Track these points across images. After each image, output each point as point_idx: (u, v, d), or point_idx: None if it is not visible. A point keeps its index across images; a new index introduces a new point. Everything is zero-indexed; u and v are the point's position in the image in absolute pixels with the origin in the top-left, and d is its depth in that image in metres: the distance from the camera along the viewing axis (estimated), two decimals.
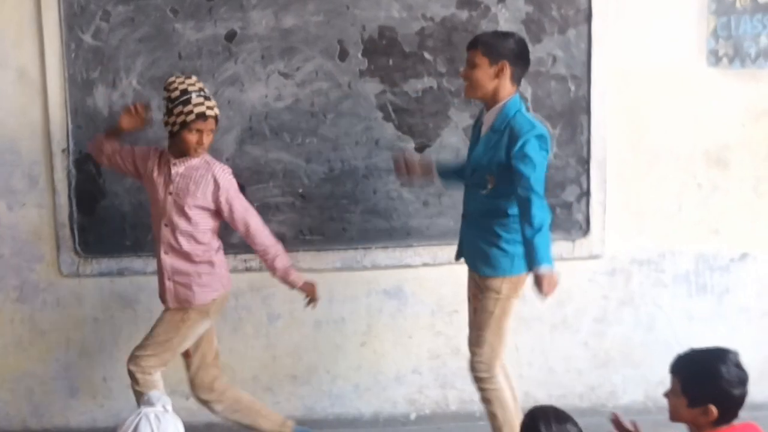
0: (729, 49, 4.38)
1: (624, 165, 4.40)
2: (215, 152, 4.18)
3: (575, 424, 2.43)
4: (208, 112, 3.57)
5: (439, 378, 4.53)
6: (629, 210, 4.45)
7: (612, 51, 4.30)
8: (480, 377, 3.72)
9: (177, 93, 3.56)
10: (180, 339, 3.73)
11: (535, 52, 4.26)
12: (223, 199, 3.63)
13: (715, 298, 4.54)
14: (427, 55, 4.25)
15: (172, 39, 4.19)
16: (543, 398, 4.37)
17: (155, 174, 3.69)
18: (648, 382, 4.53)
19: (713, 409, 2.51)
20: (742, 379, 2.52)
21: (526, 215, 3.42)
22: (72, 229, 4.29)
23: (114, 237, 4.31)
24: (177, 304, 3.71)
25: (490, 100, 3.58)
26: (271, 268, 3.74)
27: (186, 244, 3.66)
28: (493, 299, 3.63)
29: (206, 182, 3.63)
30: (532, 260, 3.43)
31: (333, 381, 4.47)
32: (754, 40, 4.38)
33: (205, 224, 3.67)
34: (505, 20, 4.24)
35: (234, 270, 4.11)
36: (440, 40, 4.25)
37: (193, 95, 3.56)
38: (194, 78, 3.67)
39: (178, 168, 3.64)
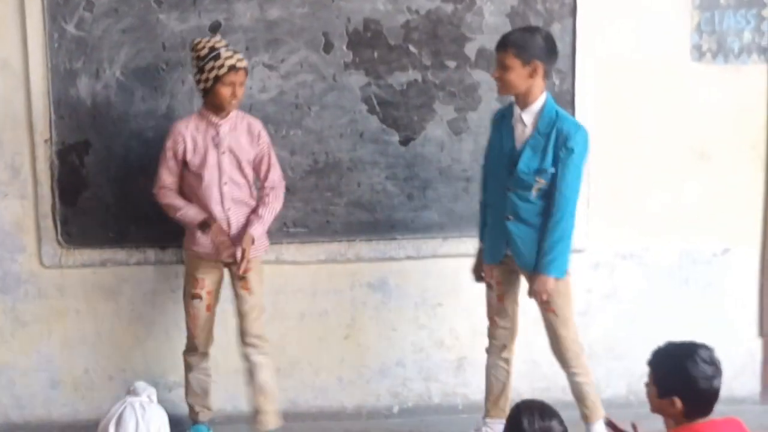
0: (713, 44, 4.40)
1: (608, 159, 4.41)
2: None
3: (561, 422, 2.43)
4: (239, 64, 3.72)
5: (422, 371, 4.53)
6: (613, 204, 4.46)
7: (596, 45, 4.31)
8: (575, 354, 3.87)
9: (206, 50, 3.70)
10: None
11: None
12: (261, 145, 3.89)
13: (698, 292, 4.56)
14: (412, 48, 4.24)
15: (156, 30, 4.17)
16: (526, 391, 4.37)
17: (197, 145, 3.79)
18: (631, 375, 4.54)
19: (677, 401, 2.56)
20: (710, 375, 2.54)
21: (555, 217, 3.59)
22: (54, 220, 4.27)
23: (97, 228, 4.29)
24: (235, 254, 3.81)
25: (523, 97, 3.63)
26: (253, 211, 3.89)
27: (247, 196, 3.89)
28: (563, 283, 3.73)
29: (251, 133, 3.86)
30: (542, 264, 3.61)
31: (316, 374, 4.47)
32: (737, 35, 4.40)
33: (253, 173, 3.91)
34: (491, 13, 4.24)
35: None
36: (425, 32, 4.25)
37: (222, 50, 3.72)
38: (218, 36, 3.83)
39: (224, 127, 3.82)
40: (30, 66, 4.15)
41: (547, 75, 3.63)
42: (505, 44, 3.59)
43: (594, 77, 4.33)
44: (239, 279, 3.89)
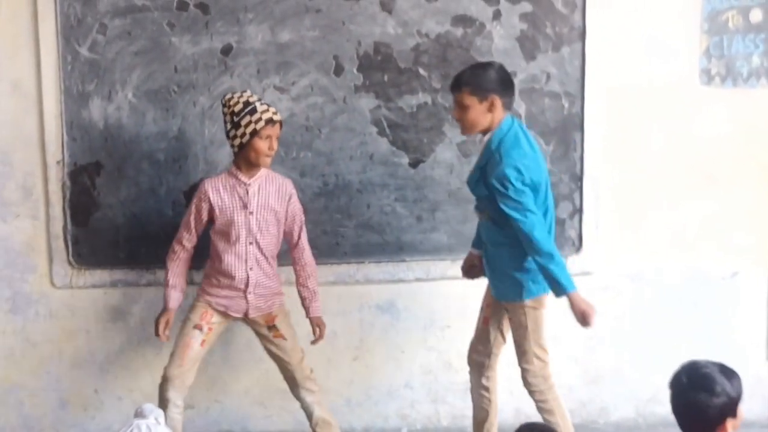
0: (721, 68, 4.41)
1: (617, 182, 4.42)
2: (211, 166, 4.21)
3: None
4: (275, 117, 3.71)
5: (430, 393, 4.53)
6: (622, 227, 4.47)
7: (606, 69, 4.33)
8: (538, 390, 3.76)
9: (240, 106, 3.67)
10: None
11: (529, 69, 4.30)
12: (290, 207, 3.86)
13: (706, 315, 4.55)
14: (422, 71, 4.27)
15: (168, 52, 4.20)
16: (534, 414, 4.34)
17: (225, 204, 3.77)
18: (638, 399, 4.55)
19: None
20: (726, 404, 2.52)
21: (527, 246, 3.48)
22: (66, 241, 4.29)
23: (107, 249, 4.31)
24: (259, 313, 3.87)
25: (486, 130, 3.61)
26: (303, 286, 3.95)
27: (270, 257, 3.85)
28: (523, 315, 3.67)
29: (278, 192, 3.82)
30: (555, 290, 3.52)
31: (325, 395, 4.43)
32: (746, 59, 4.42)
33: (280, 234, 3.87)
34: (500, 37, 4.27)
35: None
36: (435, 56, 4.27)
37: (257, 104, 3.69)
38: (249, 91, 3.78)
39: (253, 187, 3.77)
40: (43, 88, 4.19)
41: (506, 106, 3.60)
42: (459, 84, 3.59)
43: (603, 100, 4.35)
44: (269, 330, 3.92)
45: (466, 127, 3.63)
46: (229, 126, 3.70)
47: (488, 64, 3.67)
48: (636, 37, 4.36)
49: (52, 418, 4.45)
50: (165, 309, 3.88)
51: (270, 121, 3.68)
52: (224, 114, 3.73)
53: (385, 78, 4.25)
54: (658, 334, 4.51)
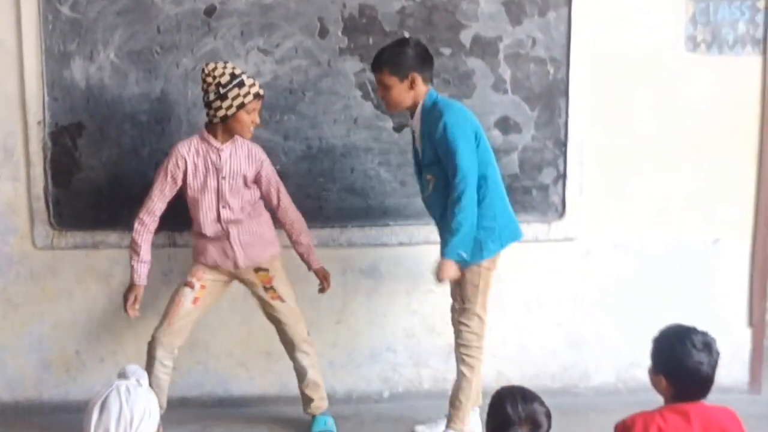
0: (707, 35, 4.40)
1: (601, 148, 4.42)
2: (194, 127, 4.17)
3: (542, 403, 2.44)
4: (261, 92, 3.79)
5: (413, 357, 4.55)
6: (605, 193, 4.48)
7: (591, 34, 4.31)
8: (469, 345, 3.86)
9: (227, 77, 3.69)
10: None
11: (514, 33, 4.28)
12: (263, 172, 3.90)
13: (688, 281, 4.58)
14: (407, 35, 4.23)
15: (150, 12, 4.16)
16: (516, 378, 4.40)
17: (198, 169, 3.80)
18: (620, 364, 4.58)
19: (663, 380, 2.62)
20: (697, 360, 2.57)
21: (454, 201, 3.60)
22: (47, 202, 4.26)
23: (89, 210, 4.29)
24: (249, 263, 3.93)
25: (413, 107, 3.73)
26: (296, 243, 4.03)
27: (247, 215, 3.88)
28: (477, 275, 3.77)
29: (250, 158, 3.87)
30: (443, 247, 3.69)
31: None
32: (732, 26, 4.40)
33: (255, 195, 3.92)
34: (486, 1, 4.24)
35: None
36: (420, 19, 4.24)
37: (244, 77, 3.73)
38: (230, 63, 3.81)
39: (225, 152, 3.81)
40: (24, 47, 4.14)
41: (428, 81, 3.71)
42: (379, 65, 3.69)
43: (588, 66, 4.34)
44: (266, 291, 3.97)
45: (390, 105, 3.77)
46: (212, 96, 3.69)
47: (405, 42, 3.76)
48: (622, 3, 4.34)
49: (35, 379, 4.45)
50: (134, 284, 3.88)
51: (257, 96, 3.75)
52: (207, 83, 3.71)
53: (370, 41, 4.21)
54: (640, 300, 4.54)
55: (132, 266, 3.87)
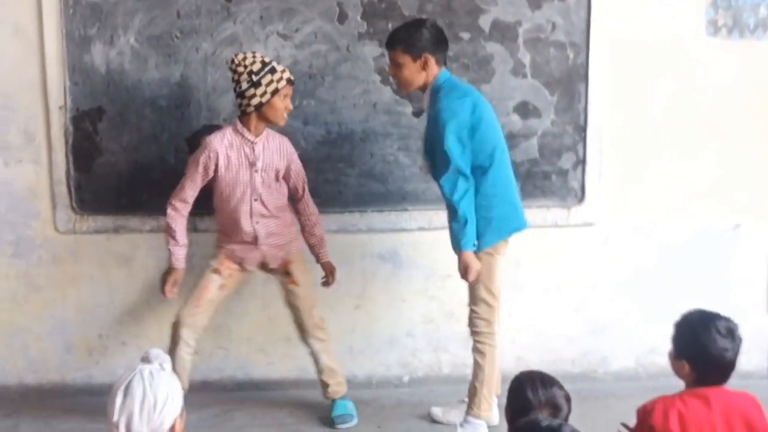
0: (728, 20, 4.37)
1: (621, 133, 4.41)
2: (214, 113, 4.19)
3: (561, 387, 2.46)
4: (292, 77, 3.80)
5: (432, 341, 4.56)
6: (625, 178, 4.46)
7: (611, 19, 4.29)
8: (479, 332, 3.86)
9: (258, 65, 3.71)
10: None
11: (534, 18, 4.27)
12: (293, 166, 3.92)
13: (708, 267, 4.57)
14: None
15: None
16: (535, 363, 4.39)
17: (231, 162, 3.80)
18: (639, 349, 4.58)
19: (686, 365, 2.62)
20: (721, 346, 2.57)
21: (451, 194, 3.63)
22: (69, 186, 4.29)
23: (110, 194, 4.31)
24: (278, 262, 3.99)
25: (424, 87, 3.73)
26: (310, 234, 4.05)
27: (275, 210, 3.90)
28: (479, 260, 3.74)
29: (280, 150, 3.88)
30: (453, 242, 3.72)
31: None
32: (753, 10, 4.37)
33: (284, 190, 3.95)
34: None
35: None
36: (440, 4, 4.24)
37: (274, 64, 3.75)
38: (257, 52, 3.85)
39: (259, 145, 3.81)
40: (44, 32, 4.16)
41: (441, 63, 3.70)
42: (393, 43, 3.69)
43: (608, 51, 4.32)
44: (284, 275, 4.01)
45: (402, 85, 3.77)
46: (245, 85, 3.70)
47: (420, 22, 3.74)
48: None
49: (57, 362, 4.49)
50: (172, 267, 3.92)
51: (289, 81, 3.77)
52: (238, 73, 3.71)
53: (389, 26, 4.20)
54: (659, 286, 4.53)
55: (169, 250, 3.91)
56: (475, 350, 3.90)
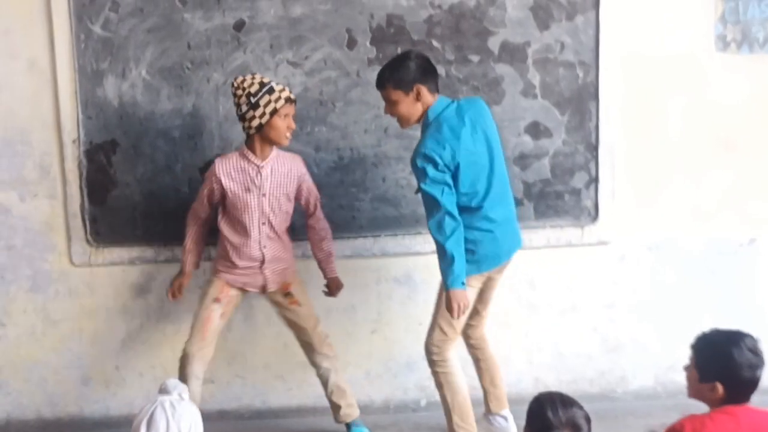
0: (737, 34, 4.38)
1: (633, 150, 4.41)
2: (226, 142, 4.21)
3: (581, 407, 2.45)
4: (292, 96, 3.78)
5: None
6: (638, 196, 4.46)
7: (620, 37, 4.30)
8: (431, 360, 3.86)
9: (256, 86, 3.71)
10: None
11: (543, 38, 4.28)
12: (304, 185, 3.94)
13: (725, 282, 4.55)
14: (435, 43, 4.25)
15: (181, 29, 4.20)
16: (553, 383, 4.38)
17: (237, 187, 3.81)
18: (658, 367, 4.55)
19: (719, 387, 2.59)
20: (753, 364, 2.58)
21: (436, 230, 3.60)
22: (83, 219, 4.31)
23: (125, 226, 4.33)
24: (277, 287, 3.98)
25: (421, 117, 3.70)
26: (319, 249, 4.06)
27: (281, 233, 3.93)
28: (441, 288, 3.72)
29: (290, 173, 3.87)
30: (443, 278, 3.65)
31: (344, 368, 4.46)
32: (762, 24, 4.38)
33: (291, 209, 3.95)
34: (513, 7, 4.24)
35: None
36: (448, 27, 4.25)
37: (273, 84, 3.74)
38: (258, 74, 3.83)
39: (266, 169, 3.81)
40: (57, 66, 4.19)
41: (433, 90, 3.67)
42: (382, 82, 3.67)
43: (618, 69, 4.33)
44: (285, 297, 4.00)
45: (401, 121, 3.74)
46: (245, 108, 3.71)
47: (405, 56, 3.71)
48: (650, 4, 4.33)
49: (75, 394, 4.49)
50: (182, 272, 4.04)
51: (288, 100, 3.73)
52: (237, 96, 3.73)
53: (399, 50, 4.22)
54: (676, 303, 4.51)
55: (182, 251, 4.04)
56: (435, 383, 3.91)
